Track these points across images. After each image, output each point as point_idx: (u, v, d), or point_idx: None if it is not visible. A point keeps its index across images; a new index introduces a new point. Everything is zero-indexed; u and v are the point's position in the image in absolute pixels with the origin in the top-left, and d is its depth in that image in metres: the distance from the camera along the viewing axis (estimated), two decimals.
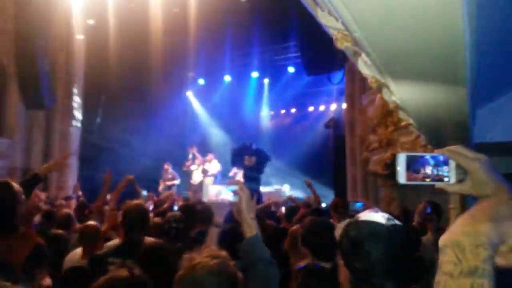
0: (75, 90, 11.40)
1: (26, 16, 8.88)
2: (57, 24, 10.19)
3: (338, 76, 10.04)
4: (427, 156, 1.11)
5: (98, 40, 11.00)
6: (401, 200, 7.35)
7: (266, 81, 14.58)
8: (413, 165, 1.11)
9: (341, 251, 1.25)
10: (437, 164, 1.10)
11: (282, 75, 14.06)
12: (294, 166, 13.27)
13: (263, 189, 11.58)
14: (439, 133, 2.29)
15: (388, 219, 1.22)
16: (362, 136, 8.74)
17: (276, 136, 14.24)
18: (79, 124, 11.56)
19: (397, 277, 1.16)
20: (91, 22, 10.98)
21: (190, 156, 12.16)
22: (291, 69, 13.49)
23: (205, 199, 1.64)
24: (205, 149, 12.77)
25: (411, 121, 2.40)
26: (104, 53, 11.22)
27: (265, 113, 14.86)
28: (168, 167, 11.80)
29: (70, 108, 11.30)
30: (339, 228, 1.30)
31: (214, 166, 11.52)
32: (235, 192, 1.74)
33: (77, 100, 11.47)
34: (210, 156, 11.77)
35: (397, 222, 1.25)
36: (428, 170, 1.11)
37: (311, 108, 14.32)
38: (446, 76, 1.34)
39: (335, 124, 10.42)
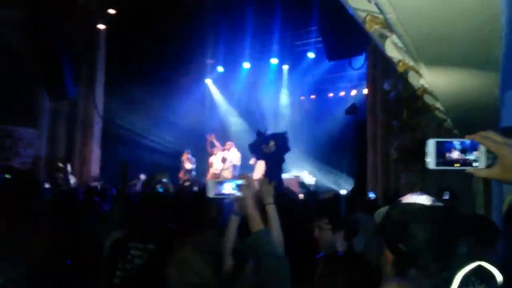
0: (97, 80, 11.57)
1: (47, 7, 8.99)
2: (78, 14, 10.32)
3: (359, 61, 9.86)
4: (456, 141, 1.11)
5: (118, 29, 11.09)
6: (422, 187, 7.26)
7: (285, 67, 14.45)
8: (442, 150, 1.11)
9: (384, 235, 1.26)
10: (466, 150, 1.10)
11: (301, 61, 13.90)
12: (313, 153, 13.22)
13: (286, 175, 11.59)
14: (467, 117, 2.24)
15: (433, 201, 1.22)
16: (384, 122, 8.61)
17: (295, 123, 14.16)
18: (101, 113, 11.75)
19: (443, 258, 1.16)
20: (111, 11, 11.05)
21: (209, 144, 12.23)
22: (311, 55, 13.31)
23: (209, 194, 1.66)
24: (224, 137, 12.82)
25: (438, 105, 2.35)
26: (124, 42, 11.33)
27: (284, 100, 14.76)
28: (187, 154, 11.95)
29: (92, 98, 11.48)
30: (380, 213, 1.31)
31: (233, 155, 11.55)
32: (239, 187, 1.71)
33: (98, 90, 11.63)
34: (229, 144, 11.79)
35: (442, 203, 1.27)
36: (457, 155, 1.11)
37: (331, 94, 14.17)
38: (480, 59, 1.29)
39: (356, 110, 10.29)
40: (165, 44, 12.15)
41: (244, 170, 11.94)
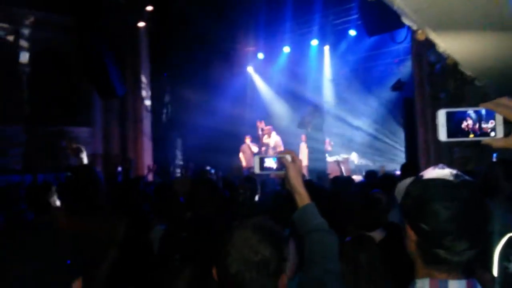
0: (143, 76, 11.98)
1: (90, 9, 9.39)
2: (118, 13, 10.69)
3: (402, 34, 9.42)
4: (470, 111, 1.04)
5: (158, 25, 11.38)
6: (477, 161, 6.89)
7: (326, 48, 14.13)
8: (455, 121, 1.05)
9: (404, 213, 1.18)
10: (481, 119, 1.03)
11: (343, 40, 13.54)
12: (361, 133, 12.93)
13: (329, 159, 11.45)
14: (504, 85, 2.10)
15: (457, 176, 1.13)
16: (432, 95, 8.22)
17: (340, 104, 13.87)
18: (149, 109, 12.18)
19: (469, 237, 1.08)
20: (149, 8, 11.34)
21: (260, 131, 12.24)
22: (352, 32, 12.89)
23: (256, 170, 1.65)
24: (269, 123, 12.82)
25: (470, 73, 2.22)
26: (165, 37, 11.63)
27: (327, 81, 14.47)
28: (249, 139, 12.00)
29: (140, 94, 11.92)
30: (400, 188, 1.24)
31: (273, 139, 11.55)
32: (279, 160, 1.68)
33: (145, 86, 12.05)
34: (267, 128, 11.76)
35: (467, 177, 1.16)
36: (471, 125, 1.05)
37: (375, 72, 13.70)
38: (490, 20, 1.20)
39: (402, 85, 9.90)
40: (204, 35, 12.31)
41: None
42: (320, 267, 1.52)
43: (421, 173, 1.22)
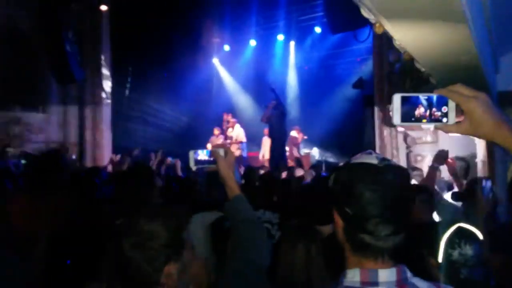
0: (103, 62, 11.60)
1: None
2: None
3: (365, 33, 9.64)
4: (424, 96, 1.06)
5: (121, 10, 11.04)
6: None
7: (292, 43, 14.26)
8: (408, 106, 1.07)
9: (332, 199, 1.17)
10: (434, 105, 1.05)
11: (308, 37, 13.70)
12: (323, 129, 13.14)
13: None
14: (453, 80, 2.17)
15: (382, 160, 1.14)
16: (390, 95, 8.47)
17: (303, 99, 14.05)
18: (109, 95, 11.82)
19: (393, 221, 1.08)
20: None
21: (225, 122, 12.15)
22: (317, 29, 13.09)
23: (191, 165, 1.63)
24: (234, 116, 12.77)
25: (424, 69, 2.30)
26: (128, 23, 11.29)
27: (291, 76, 14.62)
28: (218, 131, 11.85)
29: (99, 80, 11.53)
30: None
31: (236, 131, 11.53)
32: (210, 153, 1.72)
33: (105, 72, 11.67)
34: (232, 121, 11.72)
35: (392, 162, 1.18)
36: (424, 110, 1.06)
37: (338, 69, 13.97)
38: (440, 11, 1.24)
39: (363, 84, 10.14)
40: (169, 24, 12.08)
41: (251, 147, 12.00)
42: (241, 259, 1.54)
43: (350, 159, 1.22)
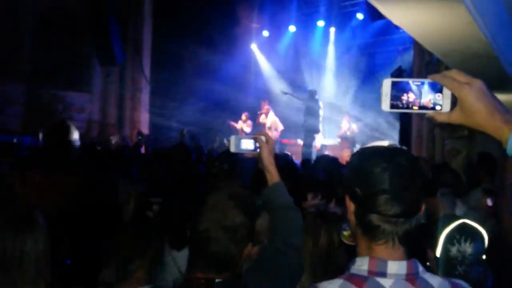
0: (144, 45, 11.91)
1: None
2: None
3: None
4: (416, 82, 1.01)
5: None
6: (468, 153, 6.92)
7: (332, 30, 13.93)
8: (399, 92, 1.03)
9: (344, 184, 1.17)
10: (426, 92, 1.01)
11: (349, 23, 13.34)
12: (358, 122, 12.85)
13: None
14: (471, 71, 2.09)
15: (392, 144, 1.13)
16: None
17: (341, 84, 13.75)
18: (148, 77, 12.14)
19: (401, 201, 1.05)
20: None
21: (264, 110, 12.01)
22: (359, 16, 12.70)
23: (231, 149, 1.65)
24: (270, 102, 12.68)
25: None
26: (169, 8, 11.49)
27: (330, 63, 14.31)
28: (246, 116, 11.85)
29: (139, 63, 11.87)
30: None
31: (270, 119, 11.39)
32: (255, 139, 1.74)
33: (146, 55, 11.99)
34: (266, 108, 11.57)
35: (404, 148, 1.14)
36: (415, 97, 1.02)
37: (379, 58, 13.54)
38: None
39: (402, 73, 9.82)
40: (209, 9, 12.16)
41: (286, 134, 11.93)
42: (282, 240, 1.60)
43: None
